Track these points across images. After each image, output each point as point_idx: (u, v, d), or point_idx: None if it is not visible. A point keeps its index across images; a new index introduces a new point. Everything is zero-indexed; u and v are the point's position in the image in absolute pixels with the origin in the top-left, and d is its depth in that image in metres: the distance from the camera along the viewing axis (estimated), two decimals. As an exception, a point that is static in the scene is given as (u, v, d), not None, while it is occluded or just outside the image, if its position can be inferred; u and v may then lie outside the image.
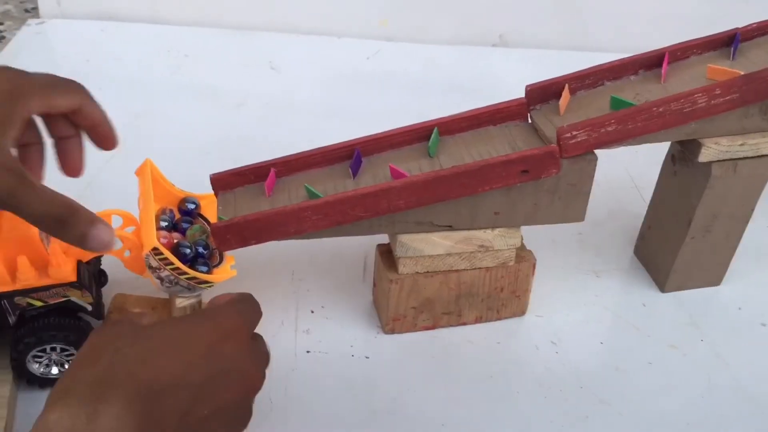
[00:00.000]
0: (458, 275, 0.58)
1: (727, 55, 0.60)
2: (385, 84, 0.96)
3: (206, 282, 0.53)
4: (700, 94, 0.54)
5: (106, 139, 0.50)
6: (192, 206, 0.58)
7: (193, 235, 0.56)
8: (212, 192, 0.58)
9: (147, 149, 0.79)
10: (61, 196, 0.43)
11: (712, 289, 0.67)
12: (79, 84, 0.48)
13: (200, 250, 0.54)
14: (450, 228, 0.55)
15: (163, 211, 0.56)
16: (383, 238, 0.59)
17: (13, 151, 0.43)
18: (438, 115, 0.59)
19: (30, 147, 0.49)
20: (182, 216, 0.58)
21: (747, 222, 0.63)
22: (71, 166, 0.50)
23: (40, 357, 0.54)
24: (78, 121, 0.48)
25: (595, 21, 1.05)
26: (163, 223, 0.55)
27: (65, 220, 0.42)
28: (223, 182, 0.57)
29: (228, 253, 0.56)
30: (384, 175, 0.55)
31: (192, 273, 0.52)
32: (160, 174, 0.57)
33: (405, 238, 0.55)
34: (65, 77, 0.47)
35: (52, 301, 0.52)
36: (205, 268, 0.54)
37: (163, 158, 0.78)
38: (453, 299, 0.60)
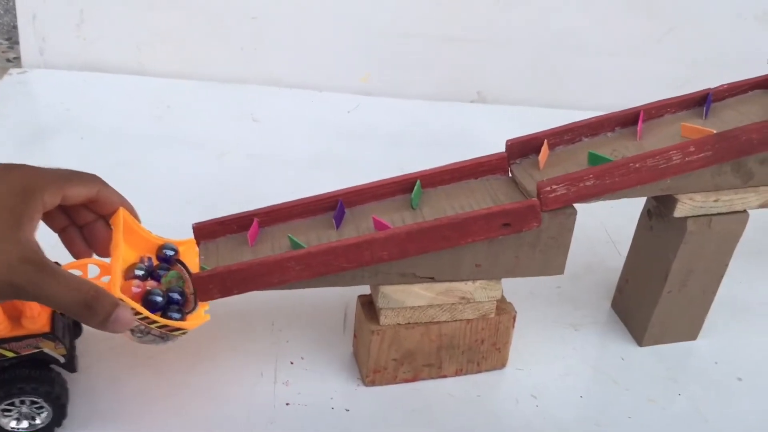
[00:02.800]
0: (439, 327, 0.59)
1: (699, 115, 0.62)
2: (365, 137, 0.97)
3: (179, 329, 0.52)
4: (674, 152, 0.55)
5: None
6: (170, 253, 0.57)
7: (168, 282, 0.55)
8: (192, 237, 0.57)
9: (128, 198, 0.80)
10: (84, 281, 0.45)
11: (688, 343, 0.68)
12: (93, 175, 0.51)
13: (174, 296, 0.53)
14: (432, 280, 0.56)
15: (141, 260, 0.55)
16: (364, 289, 0.59)
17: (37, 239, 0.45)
18: (417, 168, 0.60)
19: (68, 228, 0.52)
20: (160, 263, 0.57)
21: (722, 277, 0.64)
22: (99, 247, 0.53)
23: (10, 411, 0.52)
24: (97, 209, 0.52)
25: (570, 79, 1.08)
26: (139, 272, 0.54)
27: (90, 306, 0.44)
28: (205, 231, 0.58)
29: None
30: (367, 227, 0.56)
31: (162, 321, 0.51)
32: (136, 223, 0.56)
33: (387, 290, 0.56)
34: (81, 171, 0.50)
35: (24, 352, 0.51)
36: (177, 315, 0.52)
37: (145, 207, 0.78)
38: (434, 351, 0.60)
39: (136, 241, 0.56)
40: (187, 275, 0.55)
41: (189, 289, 0.54)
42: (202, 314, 0.54)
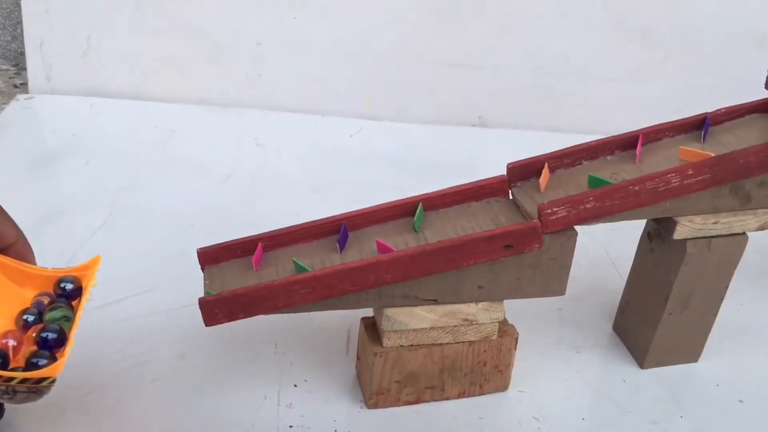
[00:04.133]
0: (442, 349, 0.59)
1: (697, 138, 0.63)
2: (367, 161, 0.98)
3: (46, 378, 0.44)
4: (673, 174, 0.56)
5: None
6: (69, 286, 0.50)
7: (51, 320, 0.48)
8: (96, 257, 0.52)
9: (133, 222, 0.81)
10: None
11: (690, 365, 0.68)
12: (13, 224, 0.47)
13: (47, 336, 0.46)
14: (435, 302, 0.56)
15: (36, 301, 0.50)
16: (366, 312, 0.60)
17: None
18: (419, 191, 0.60)
19: None
20: (56, 300, 0.50)
21: (722, 299, 0.64)
22: None
23: None
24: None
25: (569, 104, 1.10)
26: (30, 317, 0.48)
27: None
28: (210, 256, 0.58)
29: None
30: (370, 250, 0.56)
31: (20, 376, 0.43)
32: (22, 262, 0.50)
33: (390, 312, 0.56)
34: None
35: None
36: (44, 361, 0.45)
37: (149, 231, 0.79)
38: (436, 373, 0.60)
39: (29, 281, 0.50)
40: (72, 312, 0.49)
41: (76, 326, 0.47)
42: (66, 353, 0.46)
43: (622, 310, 0.71)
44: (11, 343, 0.46)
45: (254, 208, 0.86)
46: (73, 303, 0.51)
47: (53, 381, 0.45)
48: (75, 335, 0.47)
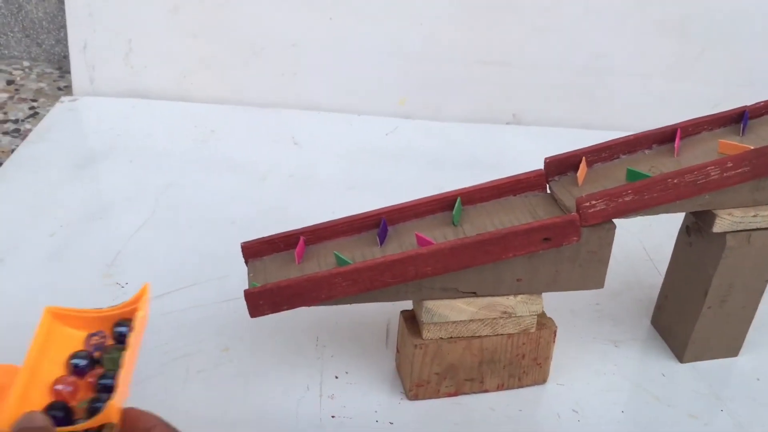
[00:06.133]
0: (481, 341, 0.60)
1: (736, 131, 0.63)
2: (402, 159, 0.99)
3: (108, 424, 0.42)
4: (712, 167, 0.56)
5: None
6: (124, 330, 0.47)
7: (111, 364, 0.45)
8: (145, 286, 0.48)
9: (175, 219, 0.82)
10: None
11: (729, 359, 0.68)
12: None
13: (109, 383, 0.43)
14: (474, 294, 0.57)
15: (88, 339, 0.47)
16: (406, 305, 0.61)
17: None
18: (454, 188, 0.61)
19: None
20: (115, 343, 0.47)
21: (762, 292, 0.64)
22: None
23: None
24: None
25: (604, 101, 1.09)
26: (81, 362, 0.45)
27: None
28: (253, 250, 0.60)
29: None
30: (410, 243, 0.57)
31: (82, 427, 0.41)
32: (72, 309, 0.48)
33: (430, 304, 0.57)
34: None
35: None
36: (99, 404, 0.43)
37: (191, 228, 0.81)
38: (475, 365, 0.61)
39: (82, 323, 0.48)
40: (122, 354, 0.45)
41: (126, 369, 0.44)
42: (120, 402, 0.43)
43: (660, 305, 0.71)
44: (65, 388, 0.43)
45: (292, 205, 0.87)
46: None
47: (113, 427, 0.42)
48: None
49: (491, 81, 1.08)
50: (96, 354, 0.46)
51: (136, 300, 0.48)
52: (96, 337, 0.47)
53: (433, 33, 1.05)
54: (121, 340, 0.47)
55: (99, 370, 0.45)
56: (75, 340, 0.47)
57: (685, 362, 0.67)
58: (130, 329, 0.46)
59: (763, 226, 0.60)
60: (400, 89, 1.08)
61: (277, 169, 0.94)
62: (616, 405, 0.63)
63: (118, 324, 0.48)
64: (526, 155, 0.94)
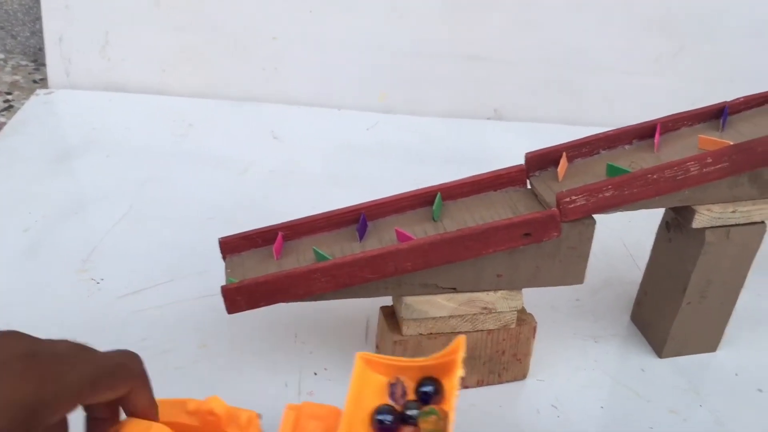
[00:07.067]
0: (461, 338, 0.59)
1: (716, 127, 0.63)
2: (383, 154, 0.99)
3: None
4: (692, 163, 0.56)
5: None
6: (430, 389, 0.45)
7: (426, 423, 0.43)
8: (457, 340, 0.45)
9: (153, 215, 0.81)
10: None
11: (708, 355, 0.68)
12: (130, 370, 0.42)
13: None
14: (454, 290, 0.57)
15: (392, 389, 0.45)
16: (386, 300, 0.60)
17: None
18: (435, 183, 0.61)
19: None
20: (419, 398, 0.45)
21: (741, 288, 0.64)
22: None
23: None
24: (121, 405, 0.43)
25: (586, 96, 1.10)
26: (386, 418, 0.43)
27: None
28: (231, 246, 0.59)
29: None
30: (390, 238, 0.57)
31: None
32: (382, 357, 0.46)
33: (410, 300, 0.57)
34: (120, 363, 0.41)
35: None
36: None
37: (169, 223, 0.80)
38: (455, 362, 0.61)
39: (381, 369, 0.46)
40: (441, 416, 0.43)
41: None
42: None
43: (639, 301, 0.71)
44: None
45: (272, 200, 0.86)
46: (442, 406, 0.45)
47: None
48: None
49: (472, 76, 1.08)
50: (398, 407, 0.45)
51: (451, 353, 0.44)
52: (398, 388, 0.46)
53: (414, 27, 1.05)
54: (425, 399, 0.45)
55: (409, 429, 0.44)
56: (377, 385, 0.47)
57: (664, 357, 0.67)
58: (444, 391, 0.44)
59: (742, 221, 0.60)
60: (381, 84, 1.08)
61: (257, 163, 0.94)
62: (595, 400, 0.63)
63: (424, 383, 0.46)
64: (507, 150, 0.93)
